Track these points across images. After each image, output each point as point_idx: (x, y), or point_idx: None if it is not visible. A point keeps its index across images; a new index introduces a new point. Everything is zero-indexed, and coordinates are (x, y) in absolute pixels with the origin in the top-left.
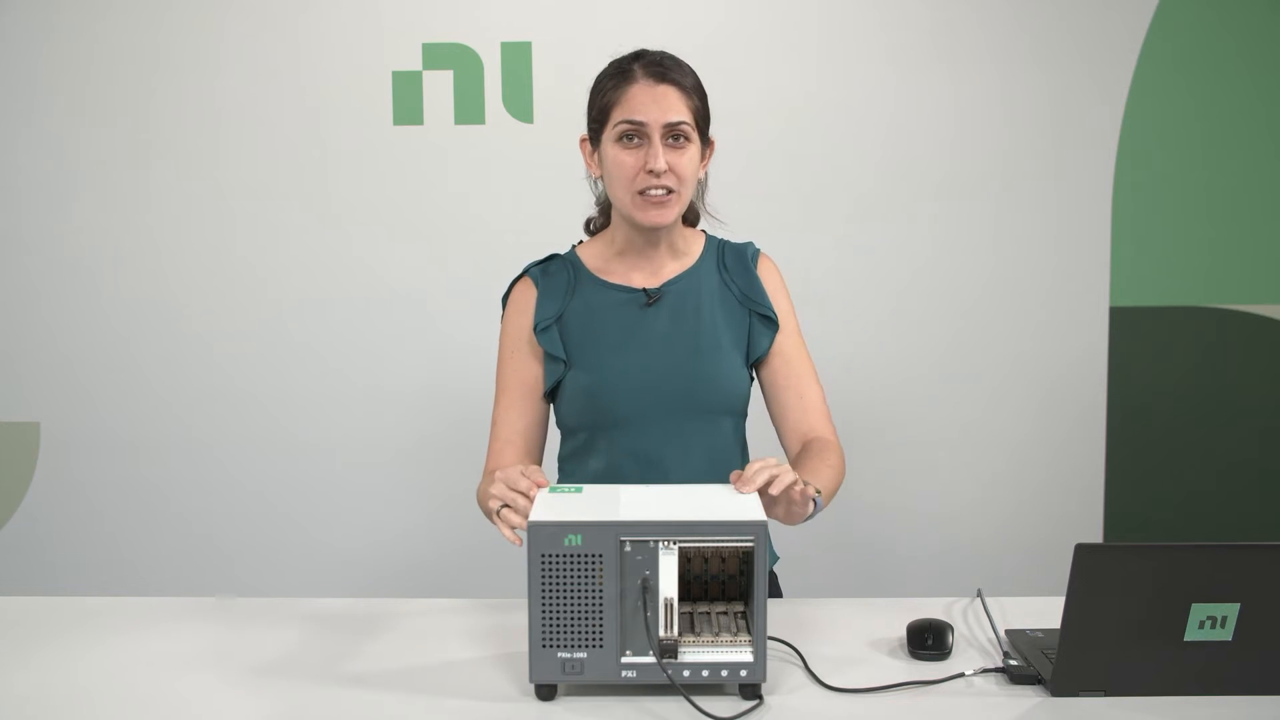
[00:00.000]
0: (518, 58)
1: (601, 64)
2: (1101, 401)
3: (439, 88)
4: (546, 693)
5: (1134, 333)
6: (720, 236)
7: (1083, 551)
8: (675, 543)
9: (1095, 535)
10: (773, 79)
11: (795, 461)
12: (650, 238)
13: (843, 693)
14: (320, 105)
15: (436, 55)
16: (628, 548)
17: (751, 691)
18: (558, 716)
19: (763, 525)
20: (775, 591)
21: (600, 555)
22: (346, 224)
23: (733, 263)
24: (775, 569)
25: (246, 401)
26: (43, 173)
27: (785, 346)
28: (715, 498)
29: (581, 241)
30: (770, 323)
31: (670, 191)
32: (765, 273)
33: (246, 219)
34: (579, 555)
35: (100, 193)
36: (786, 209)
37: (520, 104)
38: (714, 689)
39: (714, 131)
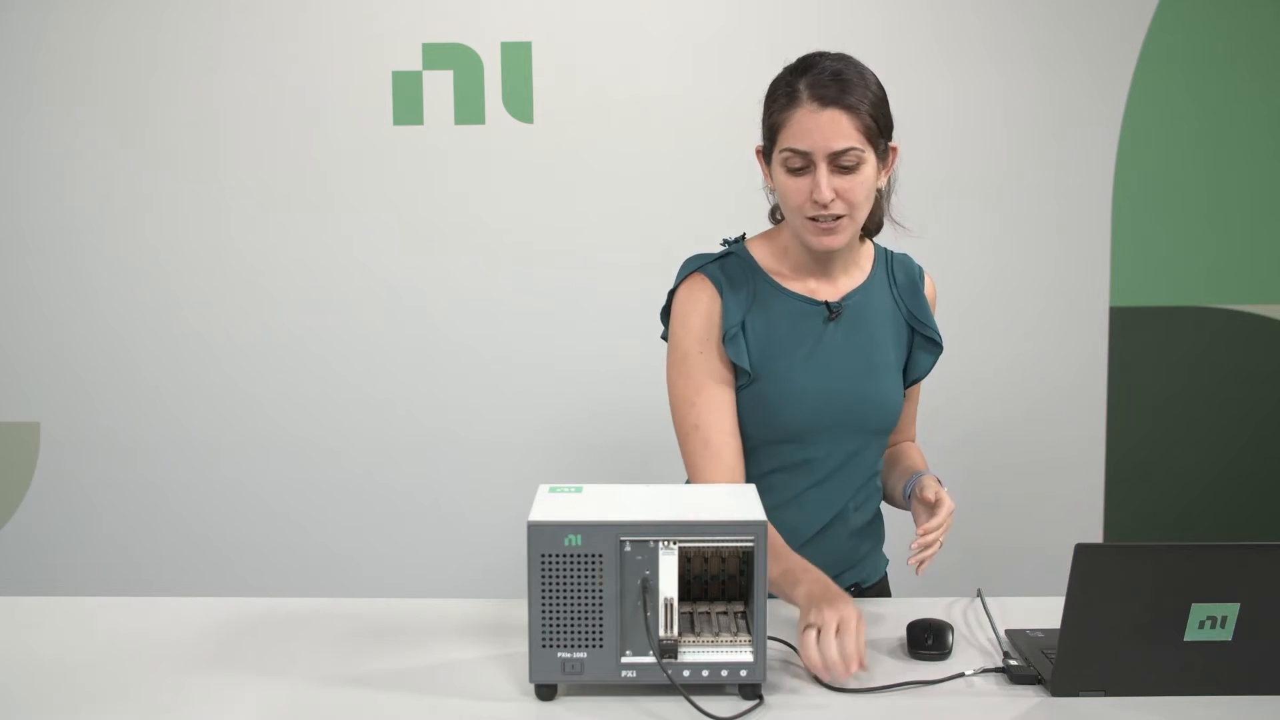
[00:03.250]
0: (518, 58)
1: (601, 64)
2: (1101, 401)
3: (439, 88)
4: (546, 693)
5: (1134, 333)
6: (884, 246)
7: (1083, 551)
8: (675, 543)
9: (1095, 535)
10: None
11: (896, 455)
12: (822, 255)
13: (843, 693)
14: (320, 105)
15: (436, 55)
16: (628, 548)
17: (751, 691)
18: (558, 716)
19: (762, 525)
20: (886, 591)
21: (600, 555)
22: (346, 224)
23: (901, 278)
24: (889, 570)
25: (246, 402)
26: (42, 173)
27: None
28: (715, 498)
29: (744, 235)
30: (935, 345)
31: (839, 217)
32: (929, 293)
33: (246, 219)
34: (579, 555)
35: (100, 193)
36: None
37: (520, 104)
38: (714, 689)
39: (713, 131)
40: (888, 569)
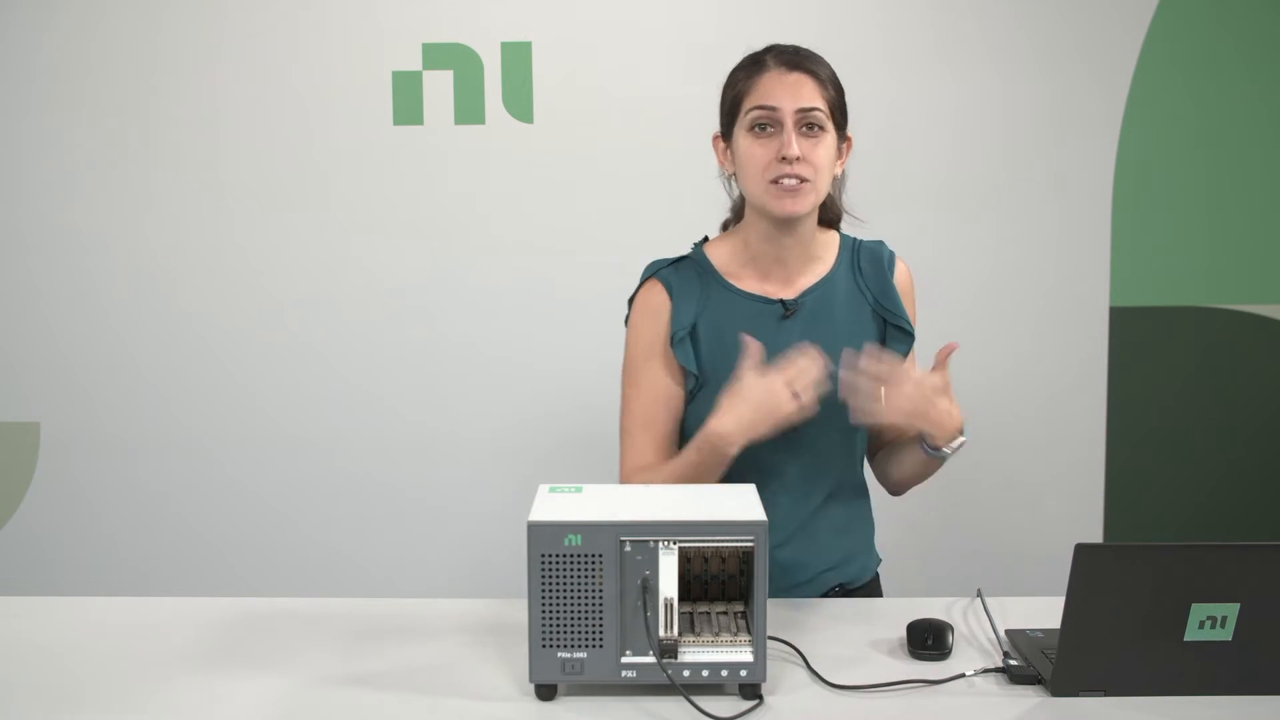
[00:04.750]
0: (518, 58)
1: (601, 63)
2: (1101, 401)
3: (439, 88)
4: (546, 693)
5: (1134, 333)
6: (852, 235)
7: (1083, 551)
8: (675, 543)
9: (1095, 535)
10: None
11: (890, 452)
12: (785, 240)
13: (843, 693)
14: (320, 105)
15: (436, 55)
16: (628, 548)
17: (751, 691)
18: (558, 716)
19: (763, 525)
20: (878, 591)
21: (600, 555)
22: (346, 224)
23: (868, 266)
24: (880, 570)
25: (246, 402)
26: (42, 173)
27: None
28: (715, 498)
29: (707, 239)
30: (906, 335)
31: (804, 181)
32: (901, 280)
33: (246, 219)
34: (579, 555)
35: (100, 192)
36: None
37: (520, 104)
38: (714, 689)
39: (712, 130)
40: (879, 569)
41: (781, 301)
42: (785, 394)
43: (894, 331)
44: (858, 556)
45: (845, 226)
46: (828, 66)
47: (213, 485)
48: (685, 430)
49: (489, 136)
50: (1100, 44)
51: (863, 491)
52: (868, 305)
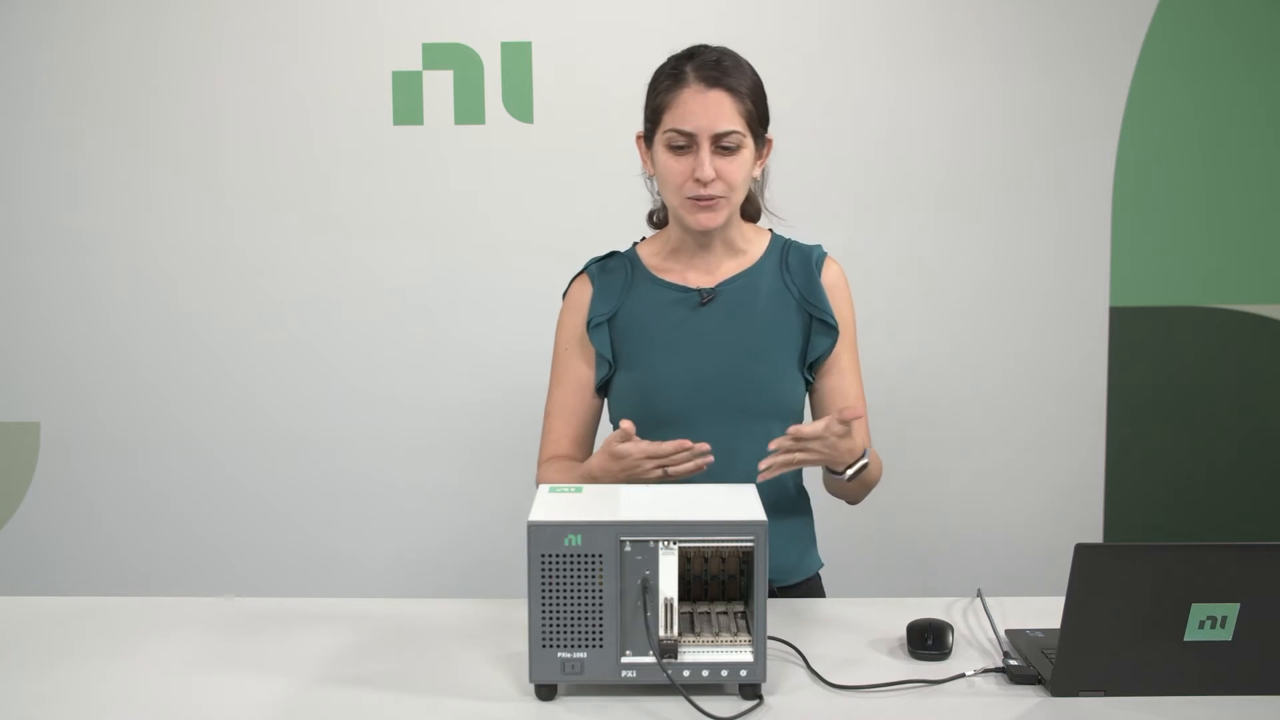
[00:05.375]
0: (518, 58)
1: (601, 63)
2: (1101, 401)
3: (439, 88)
4: (546, 693)
5: (1134, 333)
6: (788, 236)
7: (1083, 551)
8: (675, 543)
9: (1095, 535)
10: (772, 80)
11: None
12: (703, 237)
13: (843, 693)
14: (320, 105)
15: (436, 55)
16: (628, 548)
17: (751, 691)
18: (558, 716)
19: (763, 525)
20: (820, 592)
21: (600, 555)
22: (346, 224)
23: (796, 264)
24: (820, 573)
25: (246, 402)
26: (42, 173)
27: (840, 358)
28: (715, 498)
29: (643, 238)
30: (830, 329)
31: (718, 197)
32: (829, 277)
33: (246, 219)
34: (579, 555)
35: (100, 192)
36: (786, 210)
37: (520, 104)
38: (714, 689)
39: None
40: (820, 571)
41: (699, 290)
42: (652, 469)
43: (819, 325)
44: (788, 551)
45: (845, 228)
46: (748, 76)
47: (213, 485)
48: (612, 417)
49: (489, 136)
50: (1100, 44)
51: (795, 489)
52: (793, 300)
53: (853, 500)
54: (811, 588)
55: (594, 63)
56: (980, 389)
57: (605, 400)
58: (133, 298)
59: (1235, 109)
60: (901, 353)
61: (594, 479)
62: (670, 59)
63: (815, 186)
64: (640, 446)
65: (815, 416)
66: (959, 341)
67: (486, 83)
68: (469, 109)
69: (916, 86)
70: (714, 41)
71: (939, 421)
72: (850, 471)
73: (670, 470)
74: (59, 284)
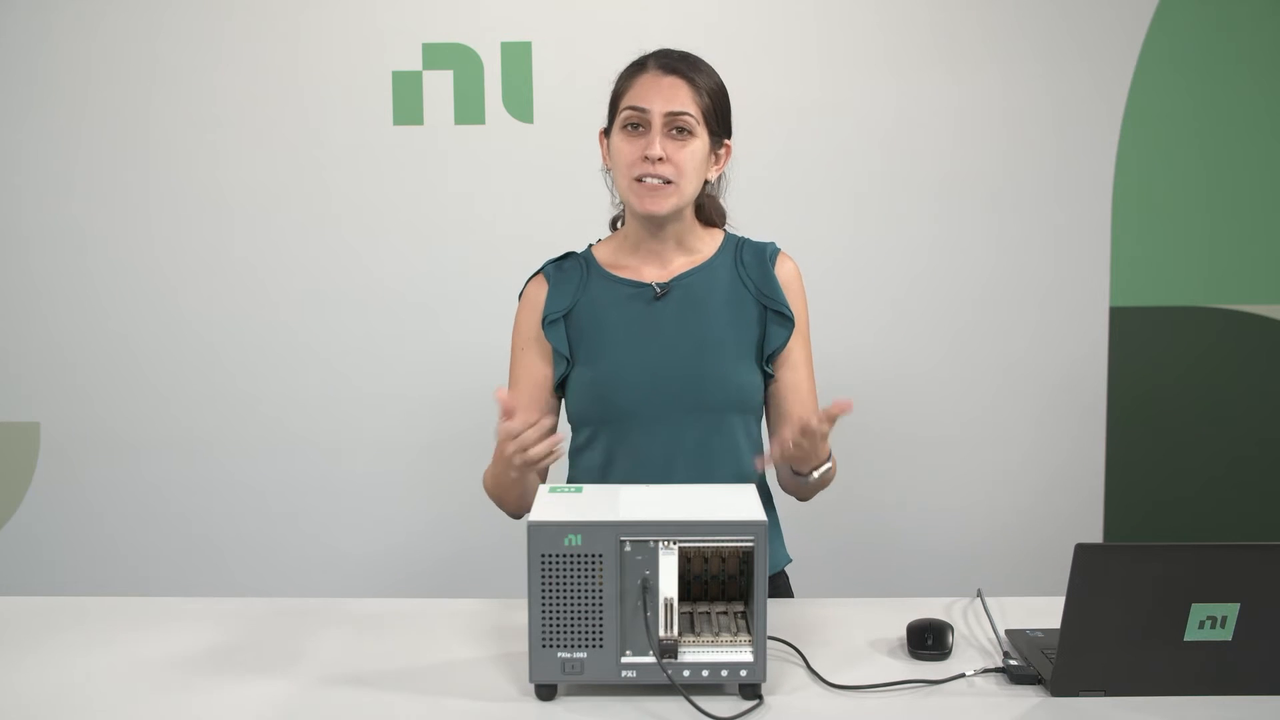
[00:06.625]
0: (518, 58)
1: (601, 63)
2: (1101, 401)
3: (439, 88)
4: (546, 693)
5: (1134, 333)
6: (741, 235)
7: (1083, 551)
8: (675, 543)
9: (1095, 535)
10: (772, 79)
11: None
12: (657, 231)
13: (843, 693)
14: (320, 105)
15: (436, 55)
16: (628, 548)
17: (751, 691)
18: (558, 716)
19: (763, 525)
20: (786, 592)
21: (600, 555)
22: (346, 224)
23: (750, 259)
24: (787, 569)
25: (246, 401)
26: (42, 172)
27: (793, 352)
28: (715, 498)
29: (599, 240)
30: (786, 320)
31: (668, 182)
32: (784, 272)
33: (246, 219)
34: (579, 555)
35: (100, 192)
36: (786, 210)
37: (520, 104)
38: (714, 689)
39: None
40: (787, 569)
41: (653, 285)
42: (512, 451)
43: (775, 317)
44: None
45: (845, 227)
46: (710, 76)
47: (213, 485)
48: (570, 414)
49: (489, 136)
50: (1100, 44)
51: (754, 482)
52: (750, 294)
53: (804, 497)
54: (778, 584)
55: (594, 63)
56: (980, 389)
57: (563, 399)
58: (133, 298)
59: (1235, 109)
60: (902, 352)
61: (495, 475)
62: (635, 59)
63: (815, 187)
64: (504, 427)
65: (768, 410)
66: (959, 341)
67: (486, 83)
68: (469, 109)
69: (917, 86)
70: (714, 41)
71: (939, 421)
72: (816, 474)
73: (530, 453)
74: (59, 284)
